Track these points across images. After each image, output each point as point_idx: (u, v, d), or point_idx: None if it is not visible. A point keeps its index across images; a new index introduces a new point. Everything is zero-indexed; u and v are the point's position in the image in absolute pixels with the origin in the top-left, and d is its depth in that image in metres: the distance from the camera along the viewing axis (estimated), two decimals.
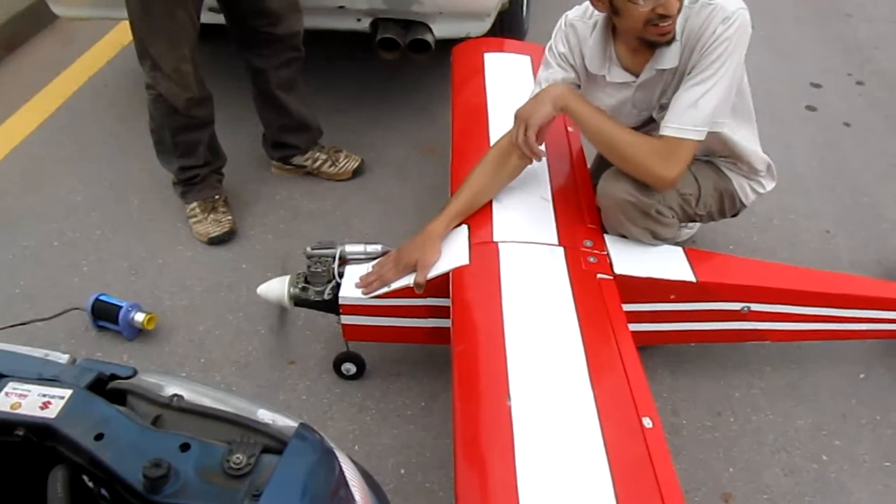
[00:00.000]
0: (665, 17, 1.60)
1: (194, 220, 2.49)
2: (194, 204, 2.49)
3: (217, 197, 2.52)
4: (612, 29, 1.77)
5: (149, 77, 2.24)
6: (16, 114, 3.12)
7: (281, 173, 2.77)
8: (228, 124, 2.79)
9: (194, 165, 2.46)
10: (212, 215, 2.48)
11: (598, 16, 1.77)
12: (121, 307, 2.09)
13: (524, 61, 2.53)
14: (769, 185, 2.03)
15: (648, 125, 1.85)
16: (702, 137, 1.71)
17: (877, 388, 2.07)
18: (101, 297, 2.13)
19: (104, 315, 2.11)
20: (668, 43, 1.67)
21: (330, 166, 2.73)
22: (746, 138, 1.91)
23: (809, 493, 1.80)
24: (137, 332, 2.13)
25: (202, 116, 2.38)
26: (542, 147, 1.82)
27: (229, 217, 2.50)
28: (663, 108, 1.78)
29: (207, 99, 2.37)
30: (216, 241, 2.46)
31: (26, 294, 2.28)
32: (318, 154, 2.72)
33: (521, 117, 1.80)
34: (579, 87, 1.89)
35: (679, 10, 1.61)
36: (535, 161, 1.86)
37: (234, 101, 2.88)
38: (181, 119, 2.33)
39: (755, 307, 1.84)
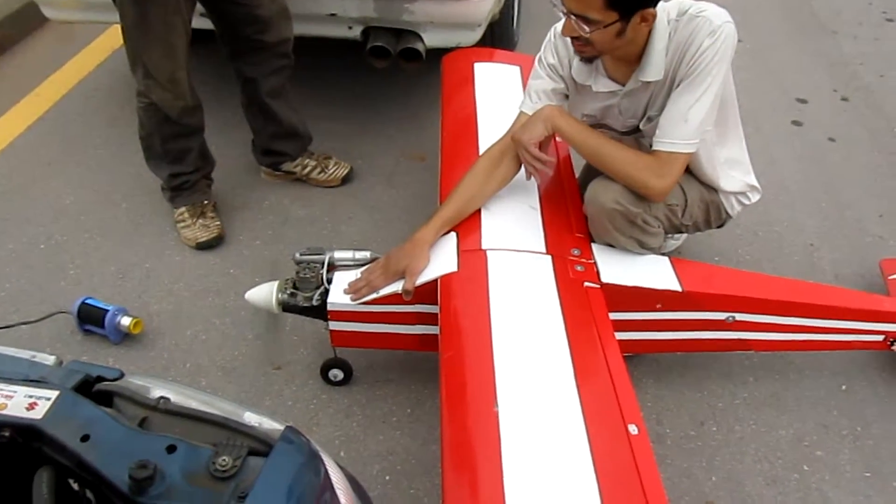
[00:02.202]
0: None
1: (182, 224, 2.48)
2: (183, 209, 2.49)
3: (206, 202, 2.52)
4: None
5: (142, 85, 2.24)
6: (4, 116, 3.12)
7: (270, 179, 2.77)
8: (218, 130, 2.80)
9: (184, 172, 2.46)
10: (200, 220, 2.48)
11: None
12: (107, 311, 2.09)
13: (514, 71, 2.55)
14: (754, 197, 2.06)
15: (635, 133, 1.87)
16: (693, 150, 1.75)
17: (858, 399, 2.09)
18: (88, 301, 2.12)
19: (90, 319, 2.11)
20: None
21: (319, 173, 2.73)
22: (729, 160, 1.94)
23: (791, 502, 1.82)
24: (124, 337, 2.13)
25: (193, 124, 2.38)
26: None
27: (218, 222, 2.50)
28: (650, 119, 1.81)
29: (199, 107, 2.37)
30: (204, 247, 2.45)
31: (12, 297, 2.27)
32: (307, 161, 2.73)
33: (516, 142, 1.83)
34: (567, 96, 1.91)
35: (585, 38, 1.64)
36: (535, 174, 1.88)
37: (224, 106, 2.89)
38: (173, 127, 2.32)
39: (740, 317, 1.86)
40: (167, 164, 2.44)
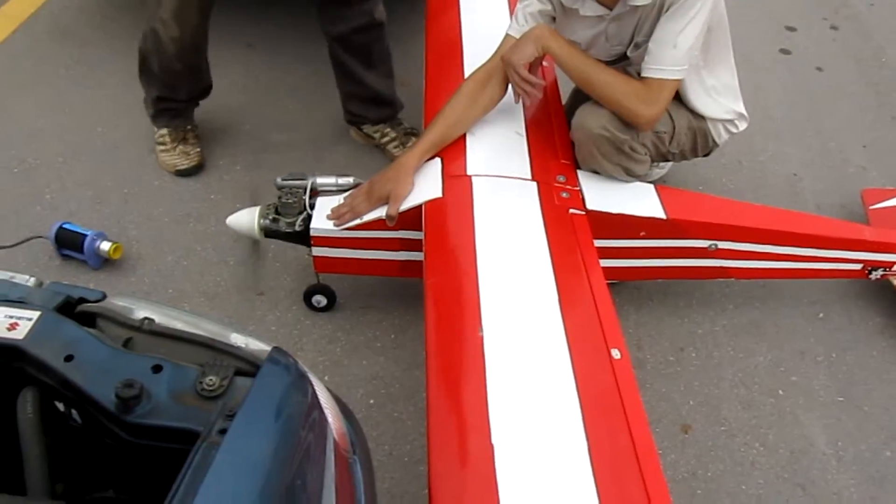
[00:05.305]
0: None
1: (162, 148, 2.42)
2: (165, 131, 2.41)
3: (188, 127, 2.43)
4: None
5: (152, 3, 2.13)
6: None
7: (357, 138, 2.61)
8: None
9: (174, 99, 2.36)
10: (181, 146, 2.41)
11: None
12: (86, 236, 2.05)
13: None
14: (742, 126, 2.04)
15: (622, 61, 1.84)
16: (682, 76, 1.73)
17: (834, 327, 2.13)
18: (66, 226, 2.08)
19: (69, 244, 2.07)
20: None
21: (395, 147, 2.52)
22: (717, 87, 1.92)
23: (765, 425, 1.87)
24: (103, 262, 2.10)
25: (192, 63, 2.27)
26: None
27: (198, 149, 2.44)
28: (638, 46, 1.77)
29: (200, 46, 2.25)
30: (183, 174, 2.40)
31: None
32: (388, 130, 2.54)
33: (506, 62, 1.79)
34: (555, 19, 1.86)
35: None
36: (525, 96, 1.82)
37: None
38: (170, 61, 2.22)
39: (722, 245, 1.87)
40: (157, 87, 2.33)
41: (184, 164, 2.40)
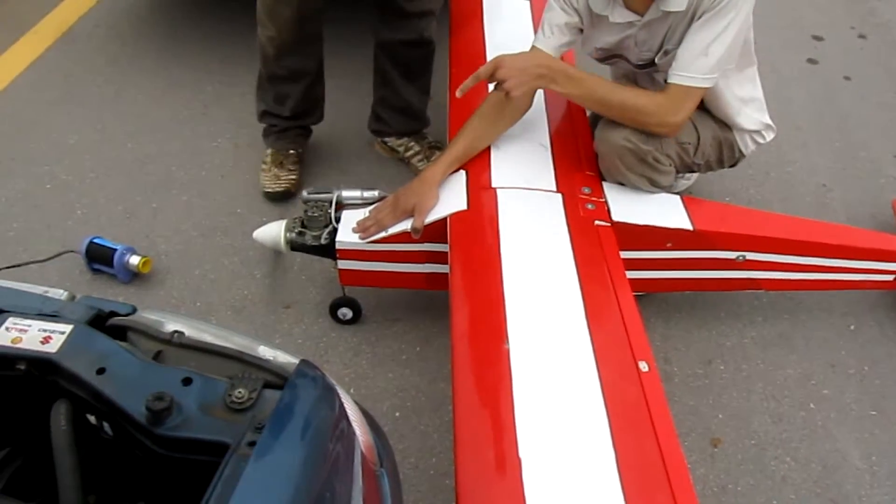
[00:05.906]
0: None
1: (262, 167, 2.41)
2: (269, 151, 2.42)
3: (291, 152, 2.42)
4: None
5: (258, 5, 2.16)
6: (4, 55, 3.05)
7: (381, 151, 2.62)
8: None
9: (279, 115, 2.36)
10: (276, 169, 2.39)
11: None
12: (116, 250, 2.08)
13: (523, 6, 2.49)
14: (769, 136, 2.02)
15: (650, 67, 1.83)
16: (710, 85, 1.71)
17: (865, 339, 2.09)
18: (96, 240, 2.12)
19: (99, 258, 2.11)
20: None
21: (420, 161, 2.52)
22: (744, 98, 1.91)
23: (796, 439, 1.84)
24: (133, 276, 2.13)
25: (296, 69, 2.27)
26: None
27: (293, 177, 2.40)
28: (667, 53, 1.77)
29: (301, 49, 2.23)
30: (269, 198, 2.38)
31: (20, 236, 2.26)
32: (412, 143, 2.53)
33: (503, 68, 1.69)
34: (582, 31, 1.86)
35: None
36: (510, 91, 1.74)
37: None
38: (271, 67, 2.25)
39: (750, 256, 1.85)
40: (265, 99, 2.35)
41: (271, 187, 2.38)
